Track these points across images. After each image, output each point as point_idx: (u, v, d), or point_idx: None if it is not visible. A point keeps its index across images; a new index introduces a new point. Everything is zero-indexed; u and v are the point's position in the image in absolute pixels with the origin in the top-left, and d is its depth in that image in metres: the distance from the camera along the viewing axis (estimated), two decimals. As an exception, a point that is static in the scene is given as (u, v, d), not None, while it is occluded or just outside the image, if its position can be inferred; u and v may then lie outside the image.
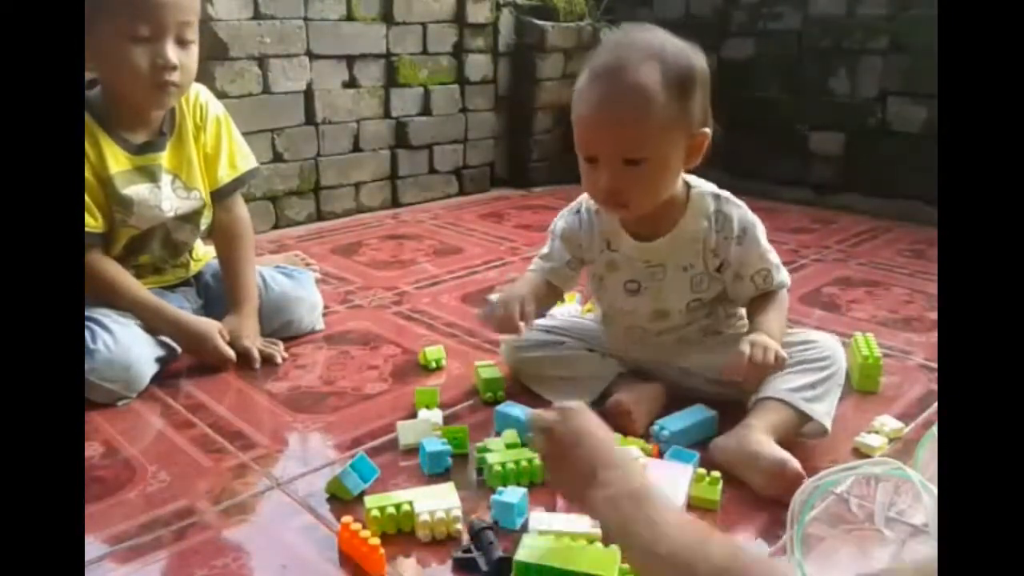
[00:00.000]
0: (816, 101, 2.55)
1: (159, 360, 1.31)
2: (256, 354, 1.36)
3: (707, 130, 1.07)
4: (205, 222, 1.43)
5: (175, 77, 1.23)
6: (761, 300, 1.17)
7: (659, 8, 2.95)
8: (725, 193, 1.17)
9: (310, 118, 2.29)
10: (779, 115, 2.63)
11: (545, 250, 1.26)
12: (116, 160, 1.29)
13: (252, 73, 2.12)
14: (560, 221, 1.25)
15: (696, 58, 1.06)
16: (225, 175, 1.42)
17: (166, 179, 1.35)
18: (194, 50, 1.27)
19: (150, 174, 1.33)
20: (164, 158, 1.34)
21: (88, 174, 1.26)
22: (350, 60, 2.35)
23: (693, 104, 1.05)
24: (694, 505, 0.97)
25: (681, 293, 1.17)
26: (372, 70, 2.40)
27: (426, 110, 2.57)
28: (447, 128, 2.63)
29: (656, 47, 1.04)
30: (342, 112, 2.36)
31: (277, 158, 2.24)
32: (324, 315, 1.56)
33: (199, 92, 1.39)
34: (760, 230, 1.17)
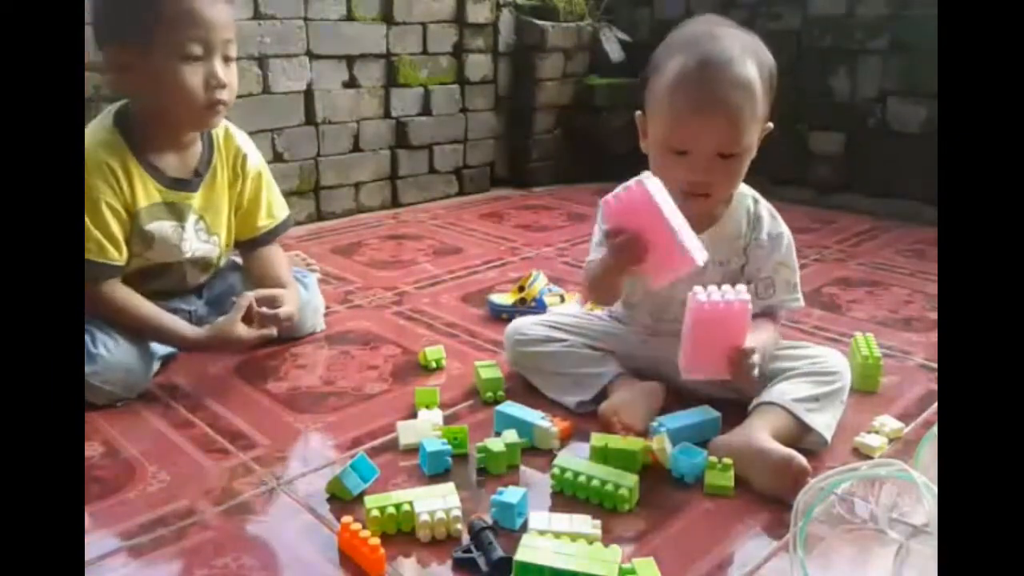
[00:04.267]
0: (816, 101, 2.55)
1: (159, 360, 1.31)
2: (275, 327, 1.31)
3: (771, 124, 1.11)
4: (218, 266, 1.43)
5: (225, 95, 1.24)
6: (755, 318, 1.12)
7: (659, 8, 2.95)
8: (762, 199, 1.20)
9: (310, 118, 2.29)
10: (779, 115, 2.63)
11: (599, 236, 1.15)
12: (147, 194, 1.27)
13: (252, 73, 2.12)
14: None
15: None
16: (263, 225, 1.42)
17: (191, 219, 1.33)
18: (235, 68, 1.26)
19: (178, 212, 1.31)
20: (195, 198, 1.33)
21: (119, 206, 1.24)
22: (350, 60, 2.35)
23: (771, 99, 1.10)
24: (707, 494, 0.99)
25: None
26: (372, 70, 2.40)
27: (426, 110, 2.56)
28: (447, 128, 2.63)
29: (749, 42, 1.08)
30: (342, 112, 2.36)
31: (277, 158, 2.23)
32: (324, 315, 1.56)
33: (235, 136, 1.37)
34: (787, 243, 1.19)
